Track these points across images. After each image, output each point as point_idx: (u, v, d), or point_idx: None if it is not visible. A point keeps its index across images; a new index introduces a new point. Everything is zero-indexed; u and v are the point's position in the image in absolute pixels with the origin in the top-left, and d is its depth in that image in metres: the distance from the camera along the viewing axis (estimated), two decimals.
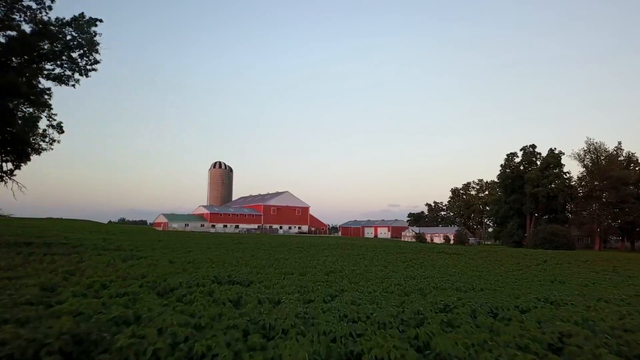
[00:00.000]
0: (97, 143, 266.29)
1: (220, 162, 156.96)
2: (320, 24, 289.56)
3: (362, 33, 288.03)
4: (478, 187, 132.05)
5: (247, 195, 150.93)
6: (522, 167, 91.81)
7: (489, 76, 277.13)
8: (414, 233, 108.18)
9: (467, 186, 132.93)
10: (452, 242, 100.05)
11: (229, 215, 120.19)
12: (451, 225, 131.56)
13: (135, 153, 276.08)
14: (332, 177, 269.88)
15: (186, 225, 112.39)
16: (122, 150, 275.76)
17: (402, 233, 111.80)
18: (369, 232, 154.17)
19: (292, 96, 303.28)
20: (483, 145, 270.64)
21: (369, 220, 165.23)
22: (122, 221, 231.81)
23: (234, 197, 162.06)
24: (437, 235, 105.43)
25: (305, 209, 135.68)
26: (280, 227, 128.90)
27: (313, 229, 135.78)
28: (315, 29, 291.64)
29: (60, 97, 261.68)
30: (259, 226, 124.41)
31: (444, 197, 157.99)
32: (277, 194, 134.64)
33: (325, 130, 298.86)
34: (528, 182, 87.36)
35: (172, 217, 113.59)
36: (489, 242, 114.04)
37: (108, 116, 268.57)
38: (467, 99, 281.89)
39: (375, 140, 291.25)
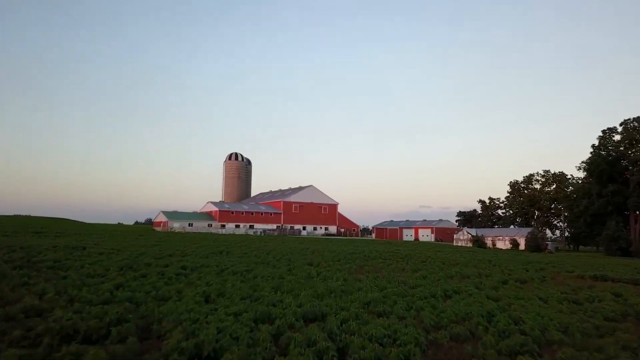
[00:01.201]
0: (115, 143, 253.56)
1: (236, 154, 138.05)
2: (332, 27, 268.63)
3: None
4: (543, 179, 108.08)
5: (267, 191, 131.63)
6: (622, 148, 68.33)
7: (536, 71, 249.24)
8: (469, 236, 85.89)
9: (529, 179, 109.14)
10: (522, 247, 77.39)
11: (242, 213, 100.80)
12: (513, 226, 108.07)
13: (158, 151, 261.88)
14: (359, 176, 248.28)
15: (190, 225, 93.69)
16: (143, 149, 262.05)
17: (455, 236, 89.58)
18: (408, 234, 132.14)
19: (312, 96, 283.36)
20: (523, 142, 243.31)
21: (407, 221, 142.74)
22: (149, 222, 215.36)
23: (253, 193, 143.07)
24: (500, 239, 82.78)
25: (334, 207, 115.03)
26: (304, 228, 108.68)
27: (342, 230, 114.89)
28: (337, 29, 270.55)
29: (61, 97, 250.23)
30: (277, 226, 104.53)
31: (479, 198, 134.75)
32: (300, 188, 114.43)
33: (362, 128, 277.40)
34: (634, 166, 64.06)
35: (173, 215, 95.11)
36: (553, 247, 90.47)
37: (117, 115, 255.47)
38: (508, 95, 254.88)
39: (410, 141, 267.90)
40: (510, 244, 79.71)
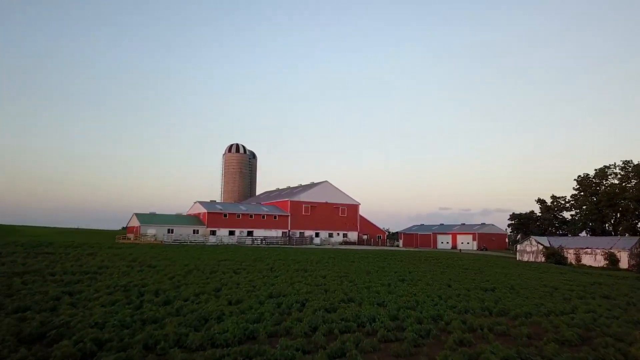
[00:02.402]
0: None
1: (237, 145, 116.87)
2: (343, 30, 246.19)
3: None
4: (622, 173, 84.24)
5: (274, 189, 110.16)
6: None
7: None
8: (540, 247, 63.02)
9: (603, 172, 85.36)
10: (624, 265, 54.41)
11: (238, 216, 79.45)
12: (586, 233, 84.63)
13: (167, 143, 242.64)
14: (372, 175, 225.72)
15: (170, 231, 72.87)
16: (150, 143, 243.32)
17: (519, 247, 66.68)
18: (443, 241, 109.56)
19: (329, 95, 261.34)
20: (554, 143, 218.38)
21: (442, 225, 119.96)
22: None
23: (259, 191, 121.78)
24: (587, 252, 59.71)
25: (354, 208, 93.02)
26: (317, 234, 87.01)
27: (365, 236, 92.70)
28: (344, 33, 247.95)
29: (62, 95, 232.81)
30: (283, 233, 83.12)
31: (500, 201, 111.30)
32: (312, 185, 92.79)
33: (377, 127, 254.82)
34: None
35: (148, 218, 74.29)
36: None
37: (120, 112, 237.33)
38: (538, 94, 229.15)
39: (426, 140, 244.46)
40: (606, 259, 56.65)
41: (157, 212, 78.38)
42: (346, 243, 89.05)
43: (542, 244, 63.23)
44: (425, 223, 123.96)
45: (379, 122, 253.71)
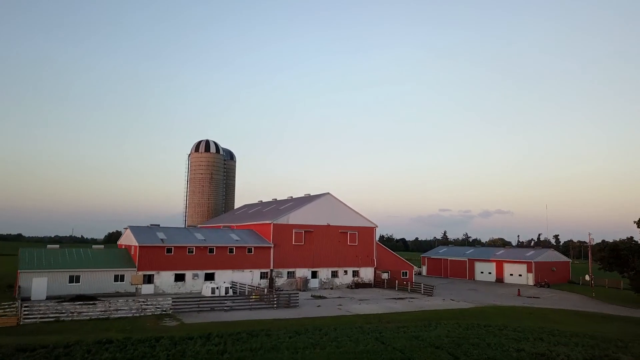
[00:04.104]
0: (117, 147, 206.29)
1: (208, 142, 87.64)
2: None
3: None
4: None
5: (256, 202, 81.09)
6: None
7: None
8: None
9: None
10: None
11: (190, 250, 50.65)
12: None
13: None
14: (376, 177, 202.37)
15: (74, 280, 44.16)
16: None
17: None
18: (484, 271, 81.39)
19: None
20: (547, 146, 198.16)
21: (479, 248, 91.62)
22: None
23: (238, 204, 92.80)
24: None
25: (368, 232, 64.07)
26: (314, 275, 58.46)
27: (385, 274, 63.77)
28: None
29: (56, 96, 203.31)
30: (264, 274, 54.58)
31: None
32: (309, 199, 63.85)
33: (377, 129, 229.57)
34: None
35: (36, 259, 45.37)
36: None
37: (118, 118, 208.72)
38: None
39: (426, 140, 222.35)
40: None
41: (59, 247, 49.29)
42: (358, 285, 60.54)
43: None
44: (469, 247, 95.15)
45: (379, 122, 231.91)
